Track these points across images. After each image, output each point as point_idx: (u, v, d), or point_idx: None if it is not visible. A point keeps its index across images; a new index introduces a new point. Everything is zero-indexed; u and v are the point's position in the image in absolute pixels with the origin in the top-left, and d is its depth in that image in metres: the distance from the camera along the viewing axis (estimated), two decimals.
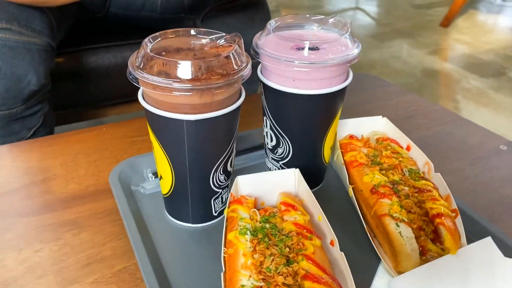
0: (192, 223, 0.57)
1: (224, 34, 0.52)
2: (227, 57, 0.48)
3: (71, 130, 0.78)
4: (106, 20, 1.29)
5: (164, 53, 0.49)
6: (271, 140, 0.60)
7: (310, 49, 0.52)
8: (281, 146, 0.59)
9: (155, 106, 0.49)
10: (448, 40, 3.10)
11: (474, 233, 0.55)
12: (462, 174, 0.68)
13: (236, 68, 0.48)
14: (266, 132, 0.60)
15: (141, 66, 0.47)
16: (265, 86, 0.56)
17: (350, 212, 0.59)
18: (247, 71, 0.49)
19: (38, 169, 0.68)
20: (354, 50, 0.53)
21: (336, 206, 0.60)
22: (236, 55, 0.49)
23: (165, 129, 0.50)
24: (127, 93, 1.31)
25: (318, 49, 0.52)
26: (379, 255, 0.51)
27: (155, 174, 0.63)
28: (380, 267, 0.52)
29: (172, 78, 0.45)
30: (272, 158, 0.62)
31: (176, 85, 0.45)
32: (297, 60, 0.51)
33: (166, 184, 0.55)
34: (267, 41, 0.55)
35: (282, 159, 0.60)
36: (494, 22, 3.58)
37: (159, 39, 0.51)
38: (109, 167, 0.68)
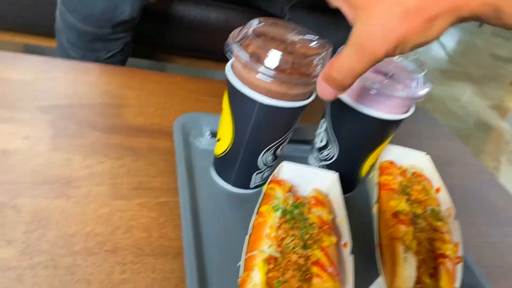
0: (232, 185, 0.65)
1: (317, 37, 0.58)
2: (314, 60, 0.54)
3: (142, 69, 0.86)
4: None
5: (262, 37, 0.56)
6: (321, 141, 0.66)
7: (386, 75, 0.58)
8: (328, 148, 0.65)
9: (239, 79, 0.56)
10: None
11: (470, 285, 0.60)
12: (477, 230, 0.72)
13: (318, 72, 0.54)
14: (319, 132, 0.66)
15: (239, 42, 0.54)
16: None
17: (367, 226, 0.65)
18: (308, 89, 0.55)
19: (116, 94, 0.76)
20: (424, 89, 0.59)
21: (357, 216, 0.67)
22: (322, 60, 0.55)
23: (239, 102, 0.57)
24: (203, 50, 1.39)
25: (392, 77, 0.58)
26: (380, 270, 0.57)
27: (213, 134, 0.71)
28: (377, 281, 0.59)
29: (261, 62, 0.52)
30: (316, 156, 0.68)
31: (261, 69, 0.52)
32: (373, 84, 0.56)
33: (222, 146, 0.62)
34: None
35: (326, 160, 0.66)
36: None
37: (263, 23, 0.57)
38: (174, 113, 0.76)
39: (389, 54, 0.39)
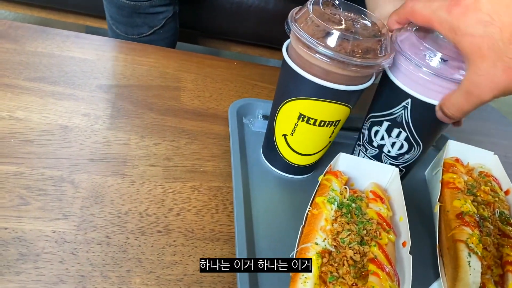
0: (281, 171, 0.63)
1: (376, 17, 0.55)
2: (377, 42, 0.51)
3: (200, 53, 0.86)
4: None
5: (321, 17, 0.53)
6: (400, 148, 0.62)
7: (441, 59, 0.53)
8: (411, 152, 0.61)
9: (295, 60, 0.53)
10: None
11: None
12: None
13: (380, 55, 0.51)
14: (394, 142, 0.61)
15: (298, 21, 0.52)
16: (415, 101, 0.56)
17: (426, 225, 0.61)
18: (388, 62, 0.52)
19: (173, 77, 0.76)
20: None
21: (415, 214, 0.63)
22: (385, 43, 0.52)
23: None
24: (251, 35, 1.38)
25: (446, 61, 0.53)
26: (440, 273, 0.54)
27: (264, 117, 0.69)
28: (435, 284, 0.55)
29: (320, 41, 0.50)
30: (385, 161, 0.64)
31: (320, 49, 0.49)
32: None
33: None
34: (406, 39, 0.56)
35: (405, 162, 0.63)
36: None
37: (322, 3, 0.55)
38: (230, 98, 0.75)
39: (495, 98, 0.49)
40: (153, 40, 1.01)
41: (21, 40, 0.74)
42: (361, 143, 0.65)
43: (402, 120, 0.58)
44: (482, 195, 0.59)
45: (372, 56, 0.51)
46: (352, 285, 0.44)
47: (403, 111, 0.57)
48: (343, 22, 0.54)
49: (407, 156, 0.62)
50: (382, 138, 0.61)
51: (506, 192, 0.63)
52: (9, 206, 0.48)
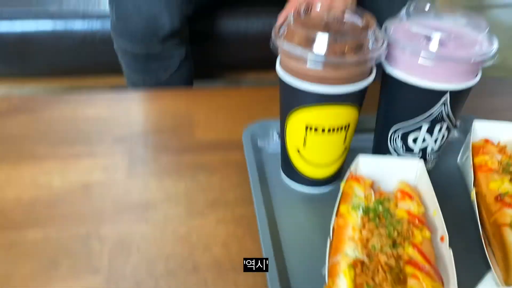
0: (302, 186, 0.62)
1: (360, 12, 0.53)
2: (366, 35, 0.49)
3: (209, 87, 0.87)
4: None
5: (304, 25, 0.52)
6: (442, 139, 0.60)
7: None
8: (449, 137, 0.60)
9: (291, 74, 0.53)
10: None
11: None
12: None
13: (373, 47, 0.50)
14: (437, 138, 0.59)
15: (282, 35, 0.52)
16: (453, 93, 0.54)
17: (466, 215, 0.58)
18: (381, 53, 0.50)
19: (183, 115, 0.77)
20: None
21: (454, 206, 0.59)
22: (375, 35, 0.50)
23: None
24: (265, 60, 1.39)
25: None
26: (490, 263, 0.50)
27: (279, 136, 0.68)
28: (488, 276, 0.51)
29: (308, 49, 0.49)
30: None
31: (310, 56, 0.48)
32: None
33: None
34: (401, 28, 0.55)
35: (434, 153, 0.61)
36: None
37: (303, 12, 0.54)
38: (243, 124, 0.75)
39: None
40: (170, 82, 1.04)
41: (38, 111, 0.77)
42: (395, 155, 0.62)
43: (442, 115, 0.56)
44: None
45: (365, 50, 0.49)
46: None
47: (442, 107, 0.55)
48: (328, 25, 0.53)
49: (445, 142, 0.59)
50: (424, 140, 0.58)
51: None
52: (40, 273, 0.49)
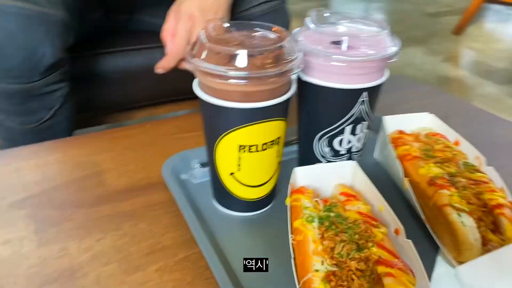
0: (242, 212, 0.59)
1: (271, 26, 0.53)
2: (282, 47, 0.49)
3: (109, 129, 0.79)
4: (130, 24, 1.31)
5: (220, 43, 0.50)
6: (364, 137, 0.61)
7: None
8: (368, 134, 0.61)
9: (211, 95, 0.50)
10: (461, 47, 3.11)
11: None
12: (509, 170, 0.68)
13: (290, 58, 0.49)
14: (360, 136, 0.60)
15: (197, 55, 0.49)
16: (373, 90, 0.56)
17: (398, 206, 0.59)
18: (299, 62, 0.50)
19: (88, 163, 0.69)
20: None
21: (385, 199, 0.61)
22: (289, 46, 0.50)
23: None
24: (151, 97, 1.33)
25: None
26: (439, 245, 0.52)
27: (202, 164, 0.64)
28: (439, 258, 0.53)
29: (228, 66, 0.47)
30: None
31: (231, 73, 0.46)
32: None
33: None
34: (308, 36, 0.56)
35: (358, 152, 0.62)
36: (503, 31, 3.60)
37: (212, 31, 0.52)
38: (158, 161, 0.69)
39: None
40: (54, 123, 0.91)
41: None
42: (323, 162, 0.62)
43: (362, 114, 0.57)
44: (439, 155, 0.59)
45: (285, 61, 0.49)
46: None
47: (362, 106, 0.56)
48: (241, 41, 0.51)
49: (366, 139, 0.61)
50: (349, 142, 0.59)
51: (456, 143, 0.63)
52: None
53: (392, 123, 0.67)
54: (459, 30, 3.24)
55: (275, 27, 0.54)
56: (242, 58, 0.47)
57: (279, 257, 0.51)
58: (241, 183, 0.55)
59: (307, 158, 0.62)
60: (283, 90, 0.51)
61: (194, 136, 0.77)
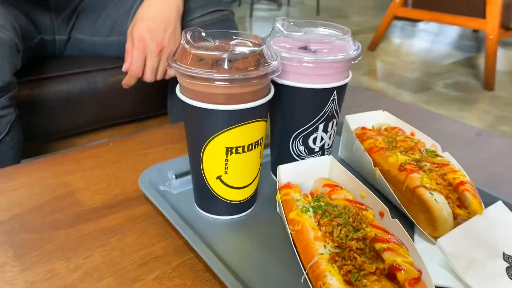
0: (228, 215, 0.60)
1: (250, 34, 0.56)
2: (261, 51, 0.52)
3: (57, 154, 0.77)
4: (70, 46, 1.28)
5: (202, 50, 0.52)
6: (334, 134, 0.65)
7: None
8: (331, 139, 0.65)
9: (195, 98, 0.52)
10: (377, 62, 3.36)
11: (484, 202, 0.62)
12: (454, 157, 0.76)
13: (271, 61, 0.52)
14: (331, 133, 0.64)
15: (180, 60, 0.51)
16: (341, 89, 0.61)
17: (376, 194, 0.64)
18: (278, 64, 0.53)
19: (57, 185, 0.66)
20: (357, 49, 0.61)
21: None
22: (267, 50, 0.53)
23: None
24: (96, 120, 1.30)
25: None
26: (416, 224, 0.57)
27: (177, 175, 0.65)
28: (416, 236, 0.57)
29: (212, 70, 0.49)
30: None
31: (217, 75, 0.49)
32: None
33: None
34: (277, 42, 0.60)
35: (329, 148, 0.66)
36: (410, 45, 3.94)
37: (192, 38, 0.54)
38: (131, 177, 0.68)
39: None
40: (1, 152, 0.86)
41: None
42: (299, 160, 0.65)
43: (333, 111, 0.61)
44: (402, 144, 0.64)
45: (265, 64, 0.52)
46: (376, 270, 0.43)
47: (332, 104, 0.60)
48: (221, 48, 0.54)
49: (329, 143, 0.64)
50: (322, 139, 0.63)
51: (412, 134, 0.69)
52: None
53: (354, 121, 0.72)
54: (373, 46, 3.49)
55: (253, 35, 0.56)
56: (224, 62, 0.50)
57: (273, 253, 0.53)
58: (228, 185, 0.56)
59: (283, 158, 0.64)
60: (264, 92, 0.54)
61: (161, 150, 0.77)
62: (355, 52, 0.59)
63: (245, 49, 0.53)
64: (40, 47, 1.17)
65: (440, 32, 4.28)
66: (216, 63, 0.50)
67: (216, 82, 0.49)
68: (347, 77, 0.61)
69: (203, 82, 0.50)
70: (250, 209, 0.61)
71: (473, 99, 2.64)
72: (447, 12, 2.96)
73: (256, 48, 0.52)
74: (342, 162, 0.74)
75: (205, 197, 0.59)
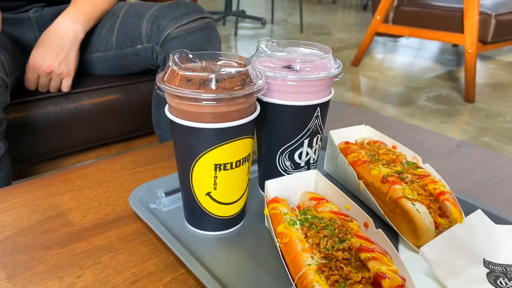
0: (218, 230, 0.61)
1: (234, 55, 0.59)
2: (247, 71, 0.54)
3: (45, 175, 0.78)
4: None
5: (190, 71, 0.54)
6: (319, 148, 0.68)
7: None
8: (316, 153, 0.67)
9: (183, 118, 0.54)
10: (360, 77, 3.42)
11: (464, 211, 0.64)
12: (435, 169, 0.78)
13: (256, 80, 0.55)
14: (316, 148, 0.66)
15: (168, 82, 0.53)
16: (324, 105, 0.63)
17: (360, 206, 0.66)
18: (263, 83, 0.55)
19: (48, 206, 0.67)
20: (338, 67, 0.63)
21: None
22: (252, 70, 0.55)
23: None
24: (84, 141, 1.31)
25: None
26: (399, 234, 0.59)
27: (167, 193, 0.66)
28: (400, 246, 0.59)
29: (200, 89, 0.51)
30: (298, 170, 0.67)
31: (204, 95, 0.51)
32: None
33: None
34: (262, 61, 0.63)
35: (314, 163, 0.68)
36: (393, 60, 4.02)
37: (182, 62, 0.56)
38: (121, 196, 0.70)
39: None
40: None
41: None
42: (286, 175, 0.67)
43: (317, 127, 0.63)
44: (385, 157, 0.67)
45: (250, 83, 0.54)
46: (361, 279, 0.45)
47: (316, 120, 0.62)
48: (208, 68, 0.56)
49: (314, 158, 0.66)
50: (307, 154, 0.65)
51: (394, 147, 0.72)
52: None
53: (337, 136, 0.74)
54: (356, 62, 3.56)
55: (237, 56, 0.59)
56: (211, 83, 0.52)
57: (262, 266, 0.55)
58: (217, 201, 0.58)
59: (270, 173, 0.66)
60: (250, 110, 0.56)
61: (150, 169, 0.78)
62: (336, 70, 0.62)
63: (231, 70, 0.55)
64: None
65: (421, 47, 4.38)
66: (203, 84, 0.52)
67: (203, 102, 0.51)
68: (330, 93, 0.64)
69: (191, 102, 0.51)
70: (239, 224, 0.63)
71: (455, 111, 2.70)
72: (427, 28, 3.04)
73: (242, 69, 0.54)
74: (328, 176, 0.76)
75: (195, 213, 0.60)
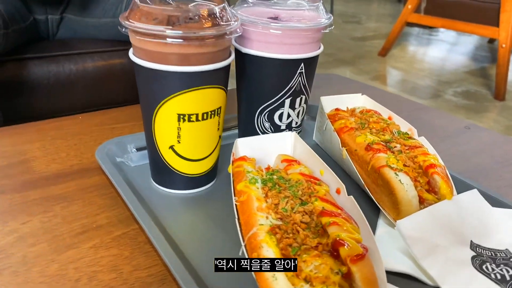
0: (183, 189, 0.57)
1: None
2: (220, 13, 0.49)
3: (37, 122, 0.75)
4: (63, 27, 1.27)
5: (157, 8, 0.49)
6: (303, 112, 0.63)
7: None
8: (306, 109, 0.62)
9: (147, 60, 0.48)
10: (387, 67, 3.30)
11: (460, 191, 0.57)
12: (436, 148, 0.71)
13: (229, 22, 0.49)
14: (299, 111, 0.61)
15: (132, 18, 0.48)
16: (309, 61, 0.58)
17: (342, 177, 0.60)
18: (237, 25, 0.50)
19: (13, 152, 0.64)
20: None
21: None
22: (227, 13, 0.50)
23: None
24: (83, 105, 1.29)
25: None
26: (380, 207, 0.53)
27: (138, 149, 0.62)
28: (380, 220, 0.53)
29: (165, 26, 0.46)
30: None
31: (169, 32, 0.45)
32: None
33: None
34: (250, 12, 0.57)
35: (298, 127, 0.63)
36: (424, 52, 3.88)
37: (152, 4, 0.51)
38: (92, 149, 0.66)
39: None
40: None
41: None
42: None
43: (300, 86, 0.57)
44: (375, 126, 0.60)
45: (222, 24, 0.48)
46: (317, 245, 0.40)
47: (300, 78, 0.56)
48: (179, 8, 0.51)
49: (305, 115, 0.61)
50: (289, 116, 0.59)
51: (389, 118, 0.65)
52: None
53: (329, 103, 0.68)
54: (384, 52, 3.44)
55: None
56: (180, 20, 0.47)
57: (218, 226, 0.50)
58: (181, 156, 0.53)
59: (249, 135, 0.61)
60: (222, 56, 0.51)
61: (130, 126, 0.74)
62: (326, 20, 0.56)
63: (204, 10, 0.50)
64: (33, 28, 1.16)
65: (456, 42, 4.21)
66: (170, 21, 0.47)
67: (168, 39, 0.46)
68: (318, 48, 0.58)
69: (154, 39, 0.46)
70: (209, 185, 0.58)
71: (482, 108, 2.57)
72: (460, 20, 2.90)
73: (215, 7, 0.49)
74: (316, 146, 0.70)
75: (159, 169, 0.55)
